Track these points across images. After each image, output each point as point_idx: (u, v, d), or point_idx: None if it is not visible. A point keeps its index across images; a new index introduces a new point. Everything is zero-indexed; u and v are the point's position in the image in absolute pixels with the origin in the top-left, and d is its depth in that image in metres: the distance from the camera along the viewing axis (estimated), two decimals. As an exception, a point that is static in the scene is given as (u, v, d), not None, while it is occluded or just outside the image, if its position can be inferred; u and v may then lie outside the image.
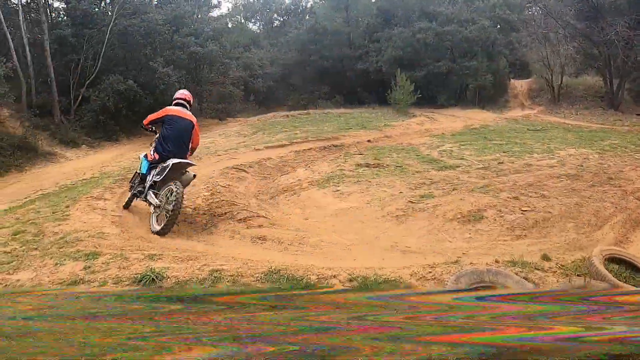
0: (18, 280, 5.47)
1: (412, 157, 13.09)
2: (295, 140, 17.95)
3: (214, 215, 9.10)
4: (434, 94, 33.06)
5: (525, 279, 4.73)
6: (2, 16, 22.31)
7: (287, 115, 29.11)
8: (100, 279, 5.39)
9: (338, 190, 9.79)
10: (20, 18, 23.42)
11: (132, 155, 18.65)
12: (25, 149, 19.35)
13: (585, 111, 29.36)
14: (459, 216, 7.67)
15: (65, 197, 10.77)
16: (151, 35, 27.97)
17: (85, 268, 5.74)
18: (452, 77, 32.63)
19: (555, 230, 7.28)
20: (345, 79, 38.18)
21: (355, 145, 16.56)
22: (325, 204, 9.19)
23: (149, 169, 8.25)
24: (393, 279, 4.77)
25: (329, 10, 43.50)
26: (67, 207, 9.49)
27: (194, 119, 8.61)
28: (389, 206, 8.45)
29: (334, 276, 4.86)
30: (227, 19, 56.46)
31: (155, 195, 7.82)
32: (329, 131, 19.86)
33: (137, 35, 27.10)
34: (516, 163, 11.90)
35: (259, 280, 4.81)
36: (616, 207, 8.55)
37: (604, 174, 10.84)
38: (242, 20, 61.57)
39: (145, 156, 8.52)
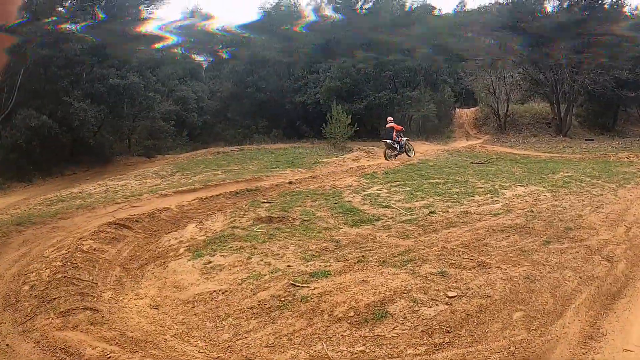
0: None
1: (327, 206, 10.56)
2: (210, 184, 15.53)
3: (44, 301, 6.78)
4: (376, 126, 31.25)
5: None
6: None
7: (219, 152, 26.77)
8: None
9: (210, 263, 7.21)
10: None
11: (38, 200, 15.60)
12: None
13: (532, 139, 27.95)
14: (351, 313, 5.12)
15: None
16: (70, 67, 25.42)
17: None
18: (395, 108, 30.81)
19: (496, 327, 4.87)
20: (284, 112, 35.96)
21: (273, 189, 14.11)
22: (187, 284, 6.66)
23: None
24: None
25: (268, 40, 41.56)
26: None
27: (393, 125, 20.48)
28: (264, 290, 5.90)
29: None
30: (173, 50, 54.25)
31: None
32: (253, 171, 17.68)
33: (54, 66, 24.58)
34: (451, 211, 9.48)
35: None
36: (580, 277, 6.26)
37: (559, 223, 8.61)
38: (183, 51, 59.28)
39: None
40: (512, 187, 12.16)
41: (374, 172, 15.78)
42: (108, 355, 4.92)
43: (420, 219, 8.97)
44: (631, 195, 11.67)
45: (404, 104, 30.32)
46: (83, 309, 6.28)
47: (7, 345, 5.50)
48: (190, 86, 39.87)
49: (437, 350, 4.51)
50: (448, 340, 4.64)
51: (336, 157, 21.22)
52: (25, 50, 23.16)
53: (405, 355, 4.43)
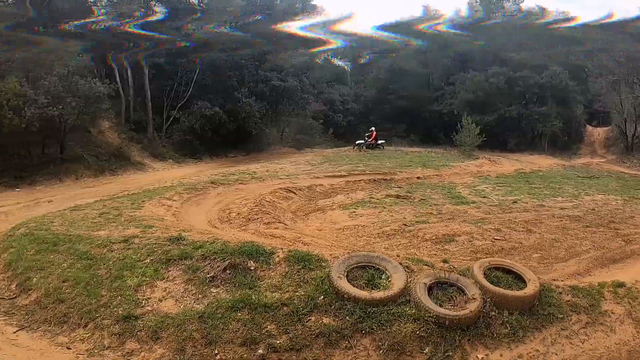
0: (99, 235, 8.32)
1: (441, 193, 14.59)
2: (353, 172, 19.81)
3: (249, 220, 11.34)
4: (505, 138, 33.72)
5: (407, 267, 6.52)
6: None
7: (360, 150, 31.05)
8: (149, 236, 8.08)
9: (355, 212, 11.70)
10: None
11: (211, 172, 20.92)
12: (119, 157, 23.19)
13: (657, 161, 28.91)
14: (434, 238, 9.33)
15: (144, 196, 13.59)
16: (237, 69, 31.03)
17: (142, 231, 8.50)
18: (523, 122, 33.19)
19: (517, 257, 8.59)
20: (421, 119, 39.66)
21: (403, 180, 18.15)
22: (339, 221, 11.25)
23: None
24: (318, 255, 6.87)
25: (408, 51, 45.01)
26: (143, 202, 12.31)
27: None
28: (387, 227, 10.28)
29: (281, 248, 7.18)
30: (316, 55, 59.35)
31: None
32: (389, 167, 21.67)
33: (225, 67, 30.24)
34: (530, 203, 13.07)
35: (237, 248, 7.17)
36: (594, 246, 9.64)
37: (608, 218, 11.79)
38: (330, 57, 64.16)
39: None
40: (593, 195, 15.17)
41: (488, 175, 19.32)
42: (293, 237, 9.31)
43: (504, 205, 12.73)
44: None
45: (532, 119, 32.62)
46: (277, 222, 10.99)
47: (233, 234, 9.66)
48: (337, 89, 44.51)
49: (477, 260, 8.35)
50: (485, 257, 8.48)
51: (462, 162, 24.58)
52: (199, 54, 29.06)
53: (460, 260, 8.36)
